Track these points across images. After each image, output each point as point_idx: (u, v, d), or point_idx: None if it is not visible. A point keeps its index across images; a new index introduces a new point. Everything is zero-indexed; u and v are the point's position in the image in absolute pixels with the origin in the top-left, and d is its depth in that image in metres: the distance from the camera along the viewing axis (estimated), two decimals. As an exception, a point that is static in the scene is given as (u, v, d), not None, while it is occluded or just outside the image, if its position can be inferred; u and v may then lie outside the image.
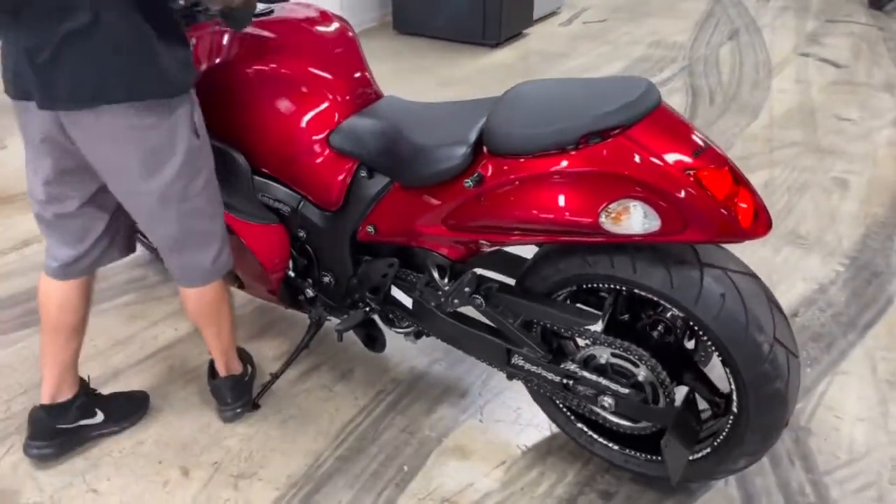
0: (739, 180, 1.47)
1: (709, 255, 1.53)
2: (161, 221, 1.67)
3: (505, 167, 1.55)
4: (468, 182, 1.57)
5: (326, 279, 2.01)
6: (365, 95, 1.93)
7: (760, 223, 1.45)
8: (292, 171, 1.92)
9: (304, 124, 1.86)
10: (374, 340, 2.06)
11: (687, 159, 1.43)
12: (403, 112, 1.86)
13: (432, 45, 5.35)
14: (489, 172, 1.57)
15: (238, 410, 2.05)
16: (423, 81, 4.65)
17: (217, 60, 1.88)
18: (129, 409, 2.04)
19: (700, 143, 1.47)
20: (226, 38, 1.89)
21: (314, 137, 1.87)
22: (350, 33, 1.99)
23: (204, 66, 1.89)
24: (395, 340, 2.10)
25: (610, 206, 1.44)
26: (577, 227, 1.47)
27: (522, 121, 1.54)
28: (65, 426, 1.89)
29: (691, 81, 4.61)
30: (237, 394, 2.06)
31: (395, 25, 5.57)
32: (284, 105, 1.86)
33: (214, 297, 1.84)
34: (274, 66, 1.84)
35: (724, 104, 4.26)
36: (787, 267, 2.72)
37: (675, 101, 4.29)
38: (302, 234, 1.99)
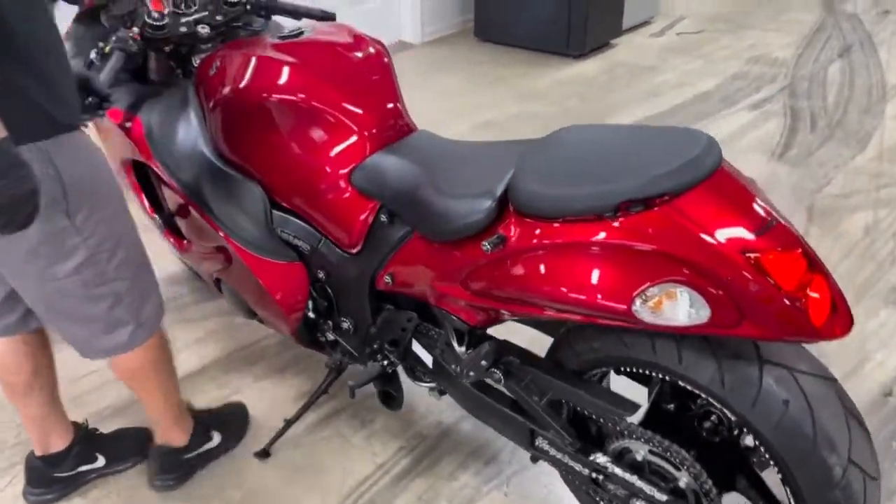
0: (814, 266, 1.19)
1: (773, 351, 1.26)
2: (22, 291, 1.45)
3: (531, 230, 1.32)
4: (486, 245, 1.36)
5: (345, 325, 1.84)
6: (395, 129, 1.74)
7: (838, 320, 1.17)
8: (312, 208, 1.76)
9: (326, 158, 1.69)
10: (391, 398, 1.88)
11: (748, 237, 1.17)
12: (432, 153, 1.66)
13: (513, 54, 5.12)
14: (512, 234, 1.35)
15: (170, 483, 1.84)
16: (500, 93, 4.43)
17: (238, 85, 1.73)
18: (132, 448, 1.92)
19: (766, 217, 1.20)
20: (249, 62, 1.74)
21: (336, 173, 1.69)
22: (385, 59, 1.81)
23: (225, 91, 1.75)
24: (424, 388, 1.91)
25: (650, 289, 1.19)
26: (608, 311, 1.23)
27: (554, 177, 1.31)
28: (62, 475, 1.80)
29: (791, 103, 4.20)
30: (169, 466, 1.85)
31: (477, 32, 5.37)
32: (306, 136, 1.70)
33: (133, 367, 1.63)
34: (297, 93, 1.68)
35: (828, 131, 3.84)
36: (885, 332, 2.36)
37: (771, 126, 3.91)
38: (321, 274, 1.82)
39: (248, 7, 1.96)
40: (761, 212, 1.21)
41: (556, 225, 1.29)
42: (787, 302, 1.15)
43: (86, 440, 1.85)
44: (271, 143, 1.74)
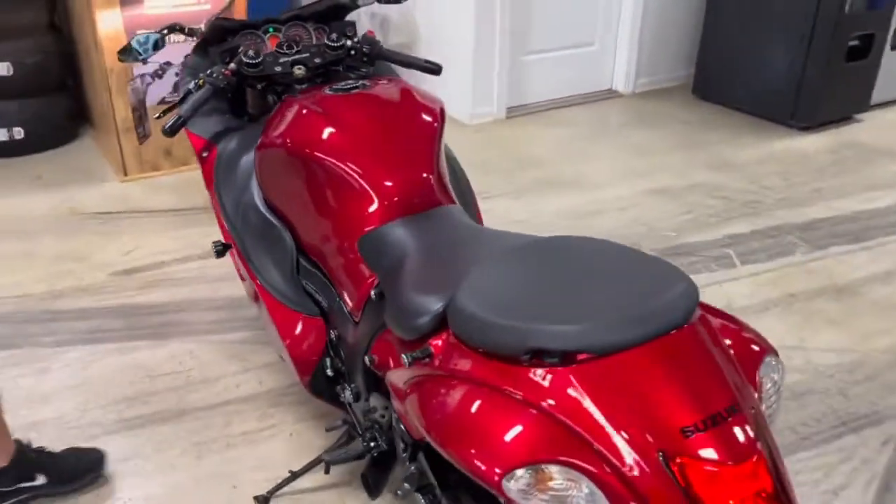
0: (776, 498, 0.86)
1: None
2: None
3: (453, 353, 1.12)
4: (406, 357, 1.18)
5: (348, 392, 1.75)
6: (421, 200, 1.60)
7: None
8: (330, 266, 1.69)
9: (343, 219, 1.61)
10: (372, 484, 1.73)
11: (676, 431, 0.88)
12: (439, 233, 1.50)
13: (729, 116, 4.63)
14: (441, 352, 1.16)
15: None
16: (694, 158, 4.02)
17: (278, 131, 1.71)
18: (78, 470, 1.95)
19: (722, 404, 0.90)
20: (293, 110, 1.72)
21: (349, 236, 1.61)
22: (433, 125, 1.68)
23: (270, 135, 1.74)
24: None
25: (536, 467, 0.94)
26: (480, 476, 0.99)
27: (491, 297, 1.10)
28: (4, 489, 1.88)
29: None
30: None
31: (695, 89, 4.94)
32: (329, 193, 1.63)
33: None
34: (322, 150, 1.62)
35: None
36: None
37: None
38: (334, 335, 1.75)
39: (352, 53, 1.94)
40: (717, 397, 0.91)
41: (475, 354, 1.08)
42: None
43: (27, 458, 1.91)
44: (301, 195, 1.70)
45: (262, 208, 1.82)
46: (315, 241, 1.71)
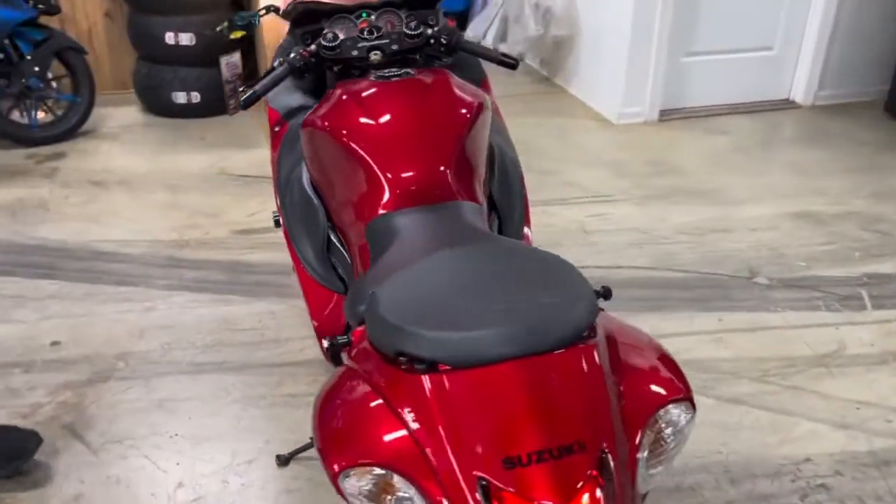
0: None
1: None
2: None
3: (360, 347, 1.11)
4: (325, 339, 1.19)
5: None
6: (432, 192, 1.58)
7: None
8: (348, 247, 1.73)
9: (359, 202, 1.64)
10: None
11: (507, 458, 0.82)
12: (432, 227, 1.48)
13: (921, 141, 4.06)
14: (356, 343, 1.15)
15: None
16: (861, 183, 3.58)
17: (319, 111, 1.77)
18: (6, 450, 1.94)
19: (564, 443, 0.82)
20: (336, 91, 1.77)
21: (362, 220, 1.63)
22: (463, 119, 1.65)
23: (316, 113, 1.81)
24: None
25: (369, 473, 0.91)
26: (325, 470, 0.98)
27: (398, 296, 1.07)
28: None
29: None
30: None
31: (889, 106, 4.37)
32: (351, 176, 1.66)
33: None
34: (354, 131, 1.65)
35: None
36: None
37: None
38: None
39: (431, 42, 1.96)
40: (560, 431, 0.83)
41: (371, 350, 1.06)
42: None
43: None
44: (331, 175, 1.75)
45: (306, 184, 1.90)
46: (340, 222, 1.76)
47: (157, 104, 4.41)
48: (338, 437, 0.96)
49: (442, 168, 1.61)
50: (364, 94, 1.70)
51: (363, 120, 1.65)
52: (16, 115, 4.04)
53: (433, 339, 0.92)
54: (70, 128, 4.11)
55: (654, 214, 3.37)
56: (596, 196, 3.55)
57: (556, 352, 0.89)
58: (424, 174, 1.60)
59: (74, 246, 3.10)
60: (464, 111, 1.68)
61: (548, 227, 3.27)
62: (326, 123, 1.70)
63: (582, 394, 0.89)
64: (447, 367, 0.90)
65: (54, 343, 2.51)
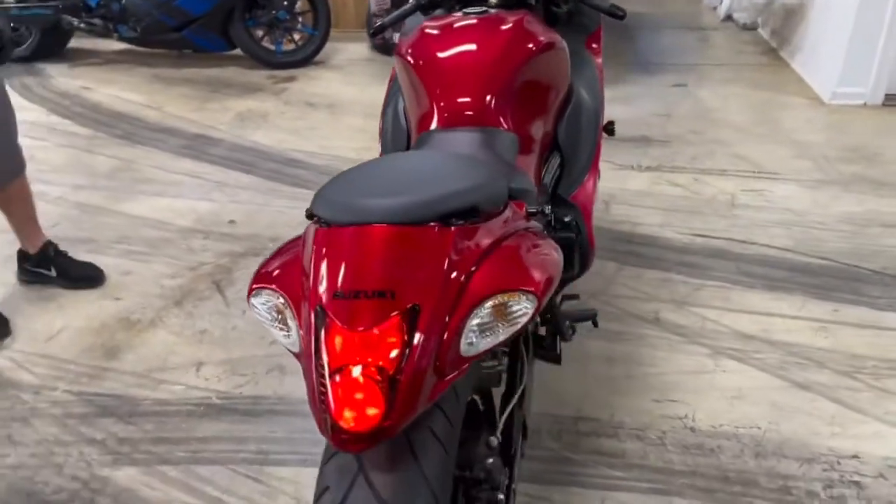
0: (383, 369, 0.98)
1: None
2: None
3: None
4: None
5: None
6: (470, 117, 1.76)
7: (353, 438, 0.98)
8: None
9: (417, 121, 1.88)
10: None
11: (336, 291, 1.04)
12: (451, 146, 1.67)
13: None
14: None
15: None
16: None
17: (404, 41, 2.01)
18: (78, 276, 2.62)
19: (376, 289, 1.02)
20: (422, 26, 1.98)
21: (411, 136, 1.88)
22: (523, 52, 1.79)
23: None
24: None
25: (266, 291, 1.18)
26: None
27: (340, 177, 1.30)
28: (30, 268, 2.64)
29: None
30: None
31: None
32: (415, 98, 1.89)
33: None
34: (413, 57, 1.86)
35: None
36: None
37: None
38: None
39: None
40: (376, 280, 1.03)
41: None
42: (321, 381, 1.02)
43: (48, 254, 2.61)
44: (407, 99, 1.99)
45: (400, 111, 2.16)
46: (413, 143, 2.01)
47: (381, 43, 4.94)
48: (260, 269, 1.24)
49: (487, 97, 1.78)
50: (440, 26, 1.92)
51: (430, 49, 1.87)
52: (266, 42, 4.79)
53: (325, 202, 1.15)
54: (306, 56, 4.78)
55: (818, 199, 3.15)
56: (760, 172, 3.38)
57: (411, 226, 1.08)
58: (468, 100, 1.78)
59: (274, 151, 3.70)
60: (526, 47, 1.82)
61: (693, 194, 3.21)
62: (404, 51, 1.95)
63: (417, 261, 1.06)
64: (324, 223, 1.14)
65: (231, 221, 3.09)
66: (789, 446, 1.95)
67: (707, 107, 4.19)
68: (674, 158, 3.56)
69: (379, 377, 0.99)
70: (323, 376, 1.01)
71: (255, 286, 1.19)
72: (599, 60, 2.34)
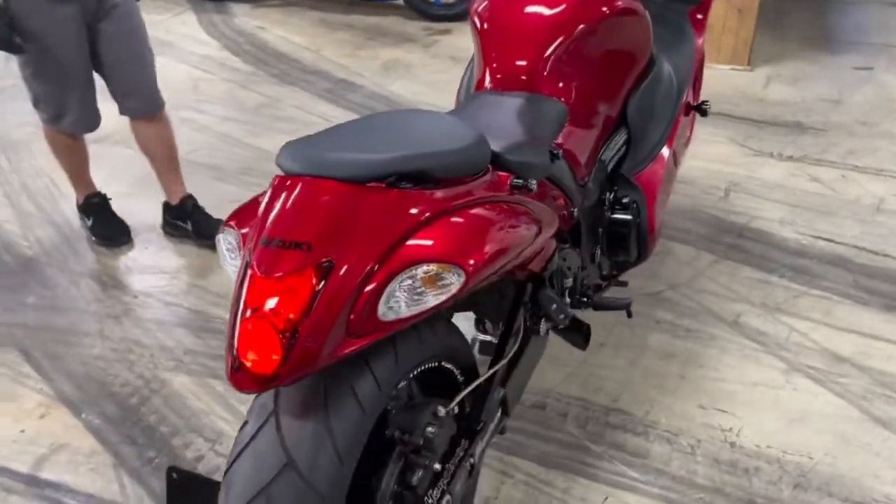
0: (295, 311, 1.01)
1: None
2: None
3: None
4: None
5: None
6: (519, 81, 1.70)
7: (252, 378, 1.03)
8: None
9: (476, 80, 1.83)
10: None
11: (262, 238, 1.07)
12: (482, 108, 1.63)
13: None
14: None
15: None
16: None
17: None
18: (208, 231, 2.63)
19: (295, 240, 1.04)
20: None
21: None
22: (583, 18, 1.69)
23: None
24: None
25: (228, 230, 1.24)
26: None
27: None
28: (170, 219, 2.75)
29: None
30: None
31: None
32: (477, 55, 1.84)
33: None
34: (486, 19, 1.80)
35: None
36: None
37: None
38: None
39: None
40: (298, 232, 1.05)
41: None
42: (233, 321, 1.07)
43: (187, 207, 2.70)
44: (475, 58, 1.95)
45: (473, 71, 2.12)
46: None
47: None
48: (236, 209, 1.30)
49: (540, 62, 1.71)
50: None
51: (494, 11, 1.81)
52: (427, -8, 4.86)
53: (285, 151, 1.17)
54: (463, 11, 4.78)
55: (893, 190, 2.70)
56: (926, 177, 2.94)
57: (347, 183, 1.08)
58: (521, 64, 1.72)
59: (408, 102, 3.77)
60: (594, 11, 1.71)
61: (832, 193, 2.87)
62: (473, 9, 1.90)
63: (345, 218, 1.05)
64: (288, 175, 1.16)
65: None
66: (839, 484, 1.74)
67: (891, 96, 3.68)
68: (825, 150, 3.18)
69: (281, 326, 1.02)
70: (236, 317, 1.06)
71: (224, 224, 1.26)
72: (701, 36, 2.15)
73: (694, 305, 2.31)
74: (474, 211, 1.20)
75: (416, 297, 1.09)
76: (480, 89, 1.77)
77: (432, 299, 1.10)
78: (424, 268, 1.09)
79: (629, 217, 1.88)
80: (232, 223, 1.23)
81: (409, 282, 1.08)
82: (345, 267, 1.05)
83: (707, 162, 3.10)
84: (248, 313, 1.04)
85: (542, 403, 1.97)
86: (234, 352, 1.04)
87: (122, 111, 2.58)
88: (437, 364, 1.34)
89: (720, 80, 3.86)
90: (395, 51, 4.41)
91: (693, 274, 2.45)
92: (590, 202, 1.79)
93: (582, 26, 1.71)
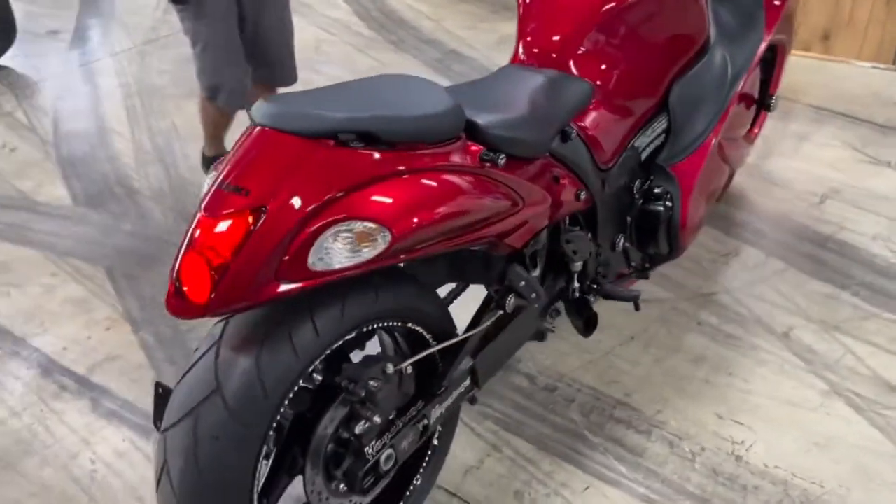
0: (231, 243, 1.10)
1: None
2: None
3: None
4: None
5: None
6: (554, 57, 1.68)
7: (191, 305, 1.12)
8: None
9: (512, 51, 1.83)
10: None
11: (218, 182, 1.16)
12: (501, 82, 1.64)
13: None
14: None
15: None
16: None
17: None
18: None
19: (237, 185, 1.12)
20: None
21: None
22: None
23: None
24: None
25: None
26: None
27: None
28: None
29: None
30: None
31: None
32: (517, 26, 1.84)
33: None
34: None
35: None
36: None
37: None
38: None
39: None
40: (243, 180, 1.13)
41: None
42: (180, 255, 1.16)
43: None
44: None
45: None
46: None
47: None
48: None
49: (572, 39, 1.68)
50: None
51: None
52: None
53: (258, 103, 1.24)
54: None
55: None
56: None
57: (294, 136, 1.14)
58: (552, 40, 1.71)
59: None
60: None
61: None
62: None
63: (287, 168, 1.10)
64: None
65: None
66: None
67: None
68: (954, 167, 2.86)
69: (214, 262, 1.10)
70: (181, 249, 1.15)
71: (213, 167, 1.37)
72: (775, 23, 1.99)
73: (744, 312, 2.18)
74: (424, 176, 1.23)
75: (346, 253, 1.14)
76: (515, 62, 1.77)
77: (361, 256, 1.15)
78: (354, 224, 1.13)
79: (660, 209, 1.81)
80: (216, 166, 1.33)
81: (342, 236, 1.13)
82: (278, 214, 1.12)
83: (811, 164, 2.88)
84: (190, 247, 1.13)
85: (553, 386, 1.96)
86: (173, 280, 1.14)
87: (255, 79, 2.53)
88: (401, 324, 1.38)
89: (856, 77, 3.54)
90: (514, 26, 4.39)
91: (753, 279, 2.30)
92: (613, 188, 1.74)
93: (624, 5, 1.66)
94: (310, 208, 1.13)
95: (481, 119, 1.38)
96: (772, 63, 2.35)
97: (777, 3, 2.00)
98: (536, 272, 1.57)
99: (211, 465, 1.15)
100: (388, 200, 1.17)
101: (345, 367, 1.33)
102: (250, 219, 1.11)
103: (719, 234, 2.50)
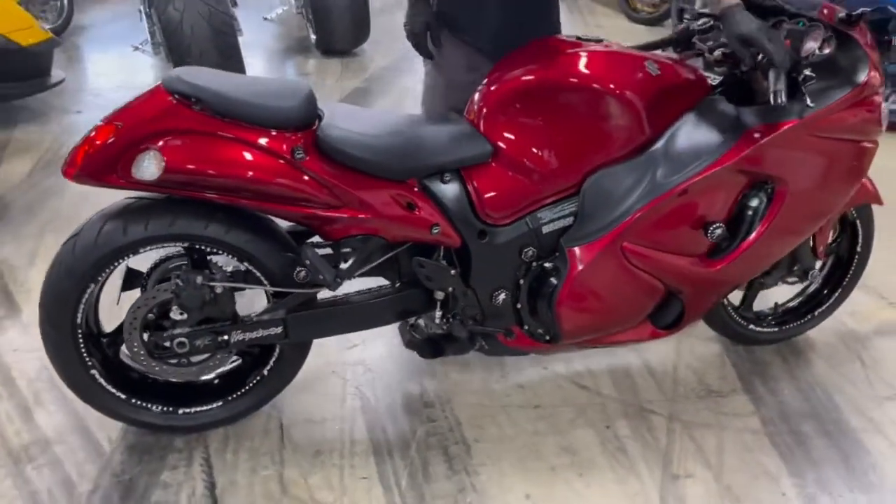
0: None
1: None
2: None
3: None
4: None
5: None
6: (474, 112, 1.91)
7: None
8: None
9: None
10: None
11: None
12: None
13: None
14: None
15: None
16: None
17: None
18: None
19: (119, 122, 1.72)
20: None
21: None
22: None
23: None
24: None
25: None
26: None
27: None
28: None
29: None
30: None
31: None
32: None
33: None
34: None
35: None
36: None
37: None
38: None
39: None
40: (125, 107, 1.77)
41: None
42: (80, 141, 1.74)
43: None
44: None
45: None
46: None
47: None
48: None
49: (487, 100, 1.91)
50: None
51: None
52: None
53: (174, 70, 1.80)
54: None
55: None
56: None
57: (166, 92, 1.69)
58: (481, 96, 1.92)
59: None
60: (571, 77, 1.88)
61: None
62: None
63: (147, 109, 1.67)
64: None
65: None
66: None
67: None
68: None
69: (85, 149, 1.71)
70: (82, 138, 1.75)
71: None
72: (741, 150, 1.80)
73: (663, 442, 2.03)
74: (227, 142, 1.69)
75: (153, 170, 1.66)
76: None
77: (154, 176, 1.66)
78: (153, 152, 1.64)
79: (545, 280, 1.88)
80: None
81: (148, 157, 1.66)
82: (123, 132, 1.68)
83: None
84: (83, 139, 1.74)
85: (432, 403, 2.15)
86: (69, 155, 1.74)
87: None
88: (236, 259, 1.83)
89: None
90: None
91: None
92: (497, 243, 1.86)
93: (555, 89, 1.82)
94: (142, 133, 1.68)
95: (337, 131, 1.74)
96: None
97: (756, 136, 1.80)
98: (347, 265, 1.82)
99: (58, 276, 1.78)
100: (181, 144, 1.66)
101: (184, 268, 1.84)
102: (111, 131, 1.70)
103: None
